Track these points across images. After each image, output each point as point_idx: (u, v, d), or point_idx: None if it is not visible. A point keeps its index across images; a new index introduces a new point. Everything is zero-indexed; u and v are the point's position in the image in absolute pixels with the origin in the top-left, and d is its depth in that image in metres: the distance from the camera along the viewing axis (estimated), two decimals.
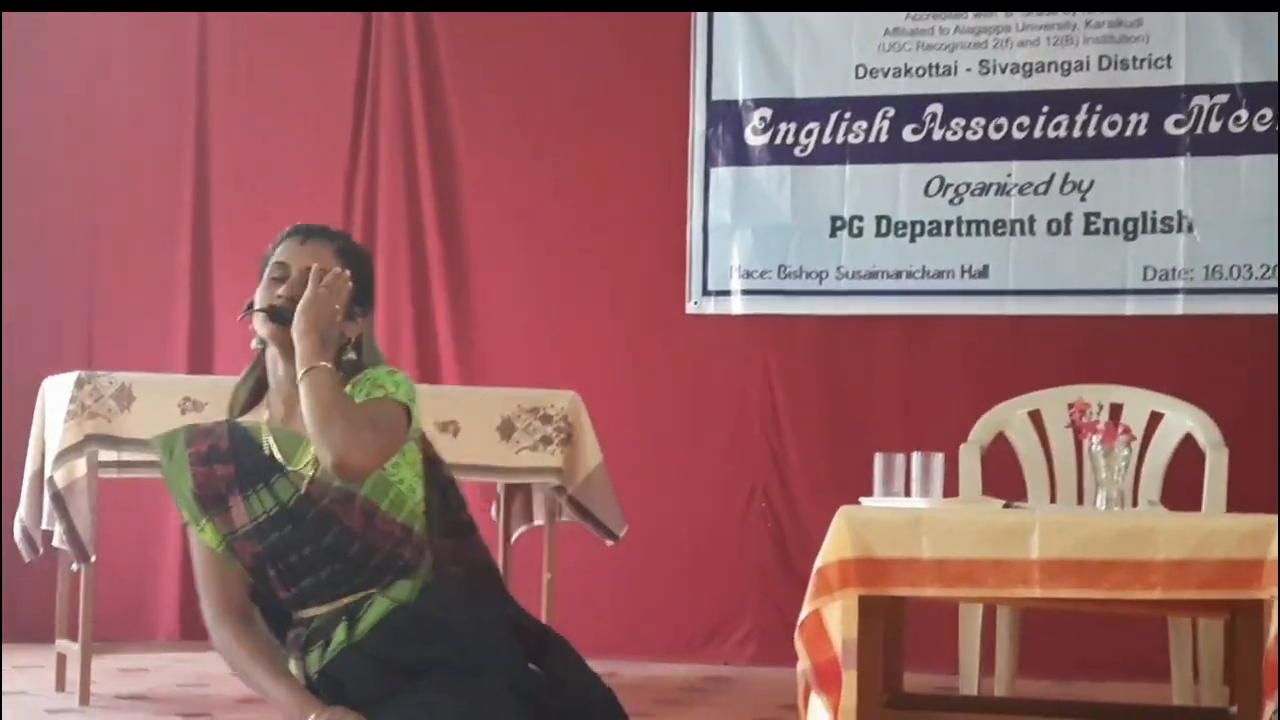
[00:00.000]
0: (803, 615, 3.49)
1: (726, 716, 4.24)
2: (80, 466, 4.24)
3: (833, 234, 5.53)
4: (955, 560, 3.34)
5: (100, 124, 6.08)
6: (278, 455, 2.41)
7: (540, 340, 5.74)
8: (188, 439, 2.49)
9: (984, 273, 5.43)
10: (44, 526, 4.41)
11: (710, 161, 5.63)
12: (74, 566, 4.36)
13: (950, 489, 3.77)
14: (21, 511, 4.50)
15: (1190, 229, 5.27)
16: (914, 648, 4.17)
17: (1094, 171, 5.38)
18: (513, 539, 5.04)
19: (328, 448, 2.29)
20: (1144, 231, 5.33)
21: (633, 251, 5.72)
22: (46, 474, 4.30)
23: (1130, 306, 5.33)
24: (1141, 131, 5.35)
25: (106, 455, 4.41)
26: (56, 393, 4.40)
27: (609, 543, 4.75)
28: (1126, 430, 3.57)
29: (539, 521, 4.86)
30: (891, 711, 3.63)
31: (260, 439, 2.44)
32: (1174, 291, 5.29)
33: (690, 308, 5.65)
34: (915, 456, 3.64)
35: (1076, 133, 5.39)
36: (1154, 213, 5.32)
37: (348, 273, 2.45)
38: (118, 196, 6.11)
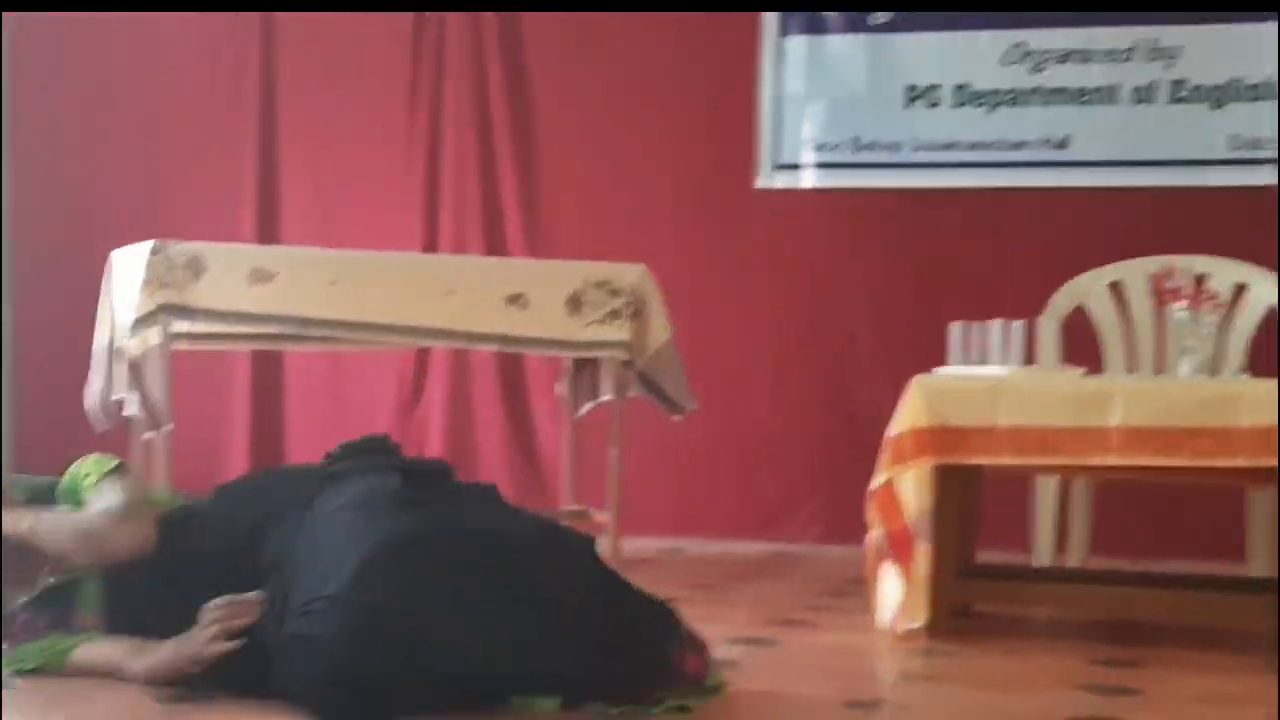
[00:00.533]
0: (875, 484, 3.52)
1: (795, 590, 4.29)
2: (154, 335, 4.30)
3: (908, 105, 5.48)
4: (1032, 428, 3.35)
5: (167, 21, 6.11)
6: None
7: (608, 215, 5.74)
8: None
9: (1064, 144, 5.37)
10: (115, 396, 4.50)
11: (783, 30, 5.57)
12: (147, 435, 4.44)
13: (1027, 361, 3.77)
14: (94, 383, 4.59)
15: None
16: (986, 527, 4.19)
17: (1180, 37, 5.28)
18: (580, 414, 5.09)
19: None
20: (1232, 100, 5.24)
21: (701, 124, 5.69)
22: (118, 343, 4.37)
23: (1216, 177, 5.26)
24: None
25: (179, 326, 4.49)
26: (126, 265, 4.46)
27: (676, 418, 4.78)
28: (1213, 297, 3.54)
29: (606, 397, 4.89)
30: (965, 581, 3.67)
31: None
32: (1262, 161, 5.21)
33: (760, 182, 5.62)
34: (994, 324, 3.64)
35: None
36: (1243, 80, 5.23)
37: None
38: (185, 78, 6.14)
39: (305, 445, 5.85)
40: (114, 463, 2.87)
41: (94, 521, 2.72)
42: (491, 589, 2.42)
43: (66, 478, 2.87)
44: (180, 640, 2.56)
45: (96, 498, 2.77)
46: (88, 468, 2.85)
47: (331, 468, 2.78)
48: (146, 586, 2.73)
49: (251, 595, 2.46)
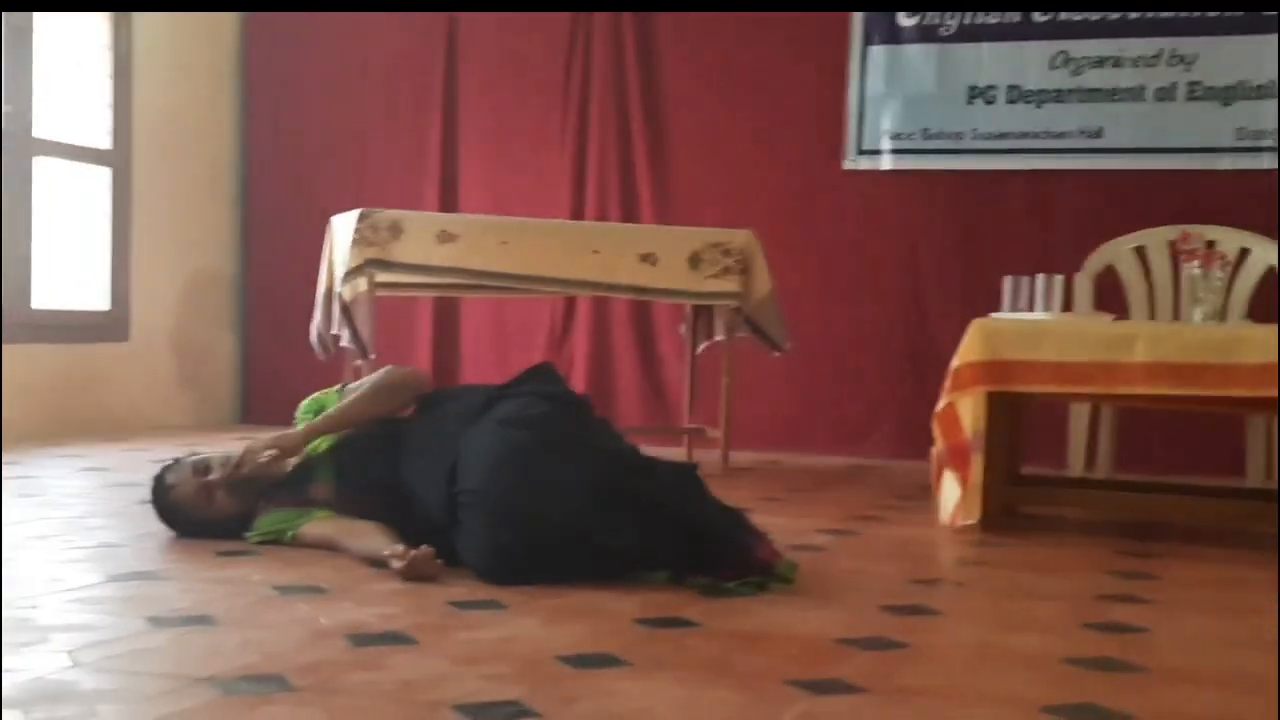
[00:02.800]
0: (940, 406, 3.52)
1: (871, 494, 4.29)
2: (362, 284, 4.41)
3: (970, 101, 5.40)
4: (1071, 362, 3.33)
5: (366, 23, 6.18)
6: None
7: (723, 189, 5.74)
8: None
9: (1098, 134, 5.26)
10: (333, 332, 4.62)
11: (868, 40, 5.52)
12: (357, 362, 4.56)
13: (1065, 309, 3.73)
14: (316, 320, 4.71)
15: None
16: (1029, 444, 4.16)
17: (1197, 46, 5.15)
18: (698, 351, 5.11)
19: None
20: (1239, 98, 5.10)
21: (800, 115, 5.65)
22: (336, 290, 4.48)
23: (1225, 162, 5.13)
24: (1239, 13, 5.09)
25: (381, 277, 4.59)
26: (341, 227, 4.56)
27: (775, 354, 4.79)
28: (1222, 257, 3.48)
29: (719, 337, 4.91)
30: (1012, 487, 3.66)
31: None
32: (1264, 149, 5.08)
33: (847, 164, 5.59)
34: (1039, 277, 3.60)
35: (1183, 13, 5.15)
36: (1248, 81, 5.09)
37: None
38: (387, 76, 6.23)
39: (474, 371, 5.95)
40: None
41: (381, 378, 2.94)
42: (603, 489, 2.52)
43: (309, 402, 3.05)
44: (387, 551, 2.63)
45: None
46: (329, 394, 3.05)
47: (506, 388, 2.86)
48: (370, 459, 2.85)
49: (429, 550, 2.55)
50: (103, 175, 5.71)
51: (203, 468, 2.90)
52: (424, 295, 5.66)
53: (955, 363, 3.49)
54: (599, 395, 5.61)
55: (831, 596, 2.52)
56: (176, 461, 2.97)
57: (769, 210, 5.61)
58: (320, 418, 2.88)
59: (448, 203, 6.08)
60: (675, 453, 4.89)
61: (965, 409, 3.46)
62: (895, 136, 5.50)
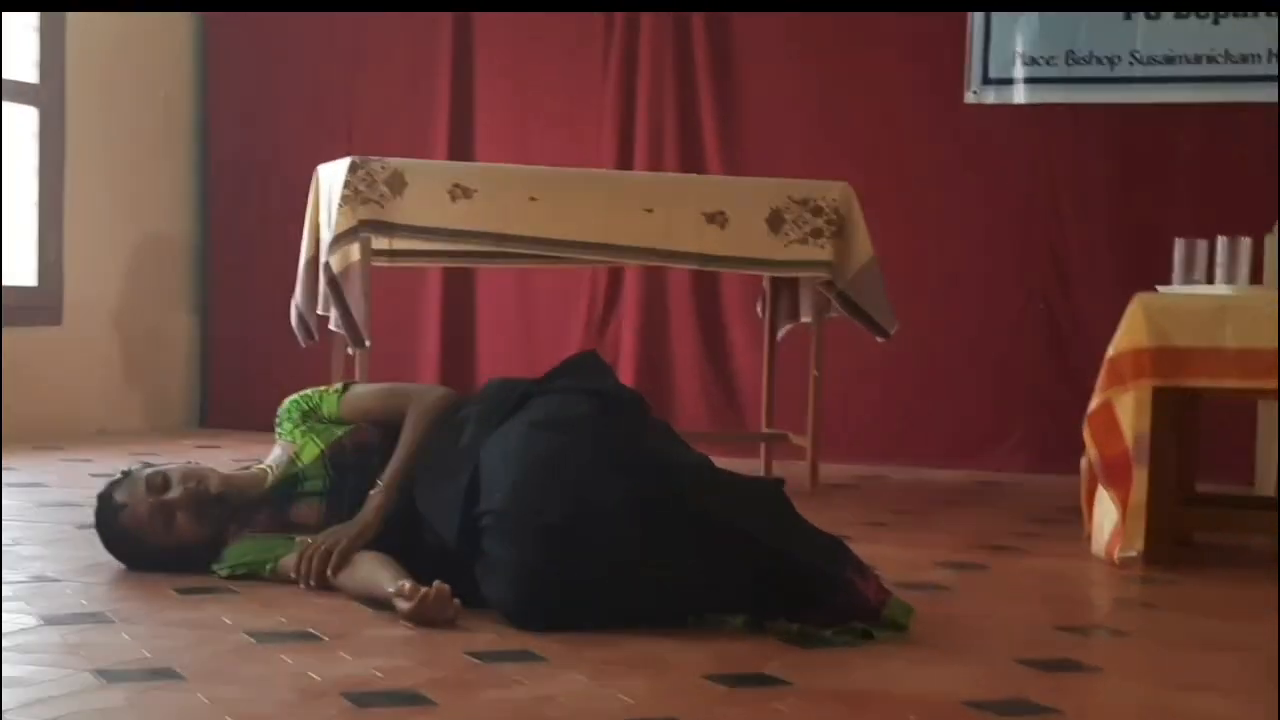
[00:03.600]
0: (1092, 406, 3.50)
1: (1002, 517, 4.28)
2: (354, 252, 4.43)
3: (1127, 16, 5.37)
4: (1262, 350, 3.30)
5: None
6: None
7: (810, 131, 5.74)
8: None
9: None
10: (318, 312, 4.65)
11: None
12: (349, 350, 4.59)
13: (1254, 281, 3.70)
14: (297, 298, 4.75)
15: None
16: (1205, 457, 4.13)
17: None
18: (778, 336, 5.11)
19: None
20: None
21: (908, 38, 5.64)
22: (322, 259, 4.51)
23: None
24: None
25: (378, 243, 4.61)
26: (329, 180, 4.58)
27: (879, 340, 4.77)
28: None
29: (806, 318, 4.91)
30: (1184, 510, 3.63)
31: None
32: None
33: (969, 97, 5.57)
34: (1220, 241, 3.57)
35: None
36: None
37: None
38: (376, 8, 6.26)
39: (494, 365, 5.97)
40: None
41: (405, 386, 3.05)
42: (664, 509, 2.54)
43: (293, 403, 3.07)
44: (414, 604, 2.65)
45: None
46: (319, 393, 3.10)
47: (539, 384, 2.88)
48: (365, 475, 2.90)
49: (443, 587, 2.57)
50: (28, 116, 5.79)
51: (159, 483, 2.94)
52: (432, 265, 5.70)
53: (1111, 351, 3.47)
54: (651, 393, 5.62)
55: (957, 647, 2.52)
56: (126, 475, 3.00)
57: (867, 157, 5.61)
58: (393, 472, 2.88)
59: (460, 150, 6.12)
60: (750, 465, 4.89)
61: (1125, 410, 3.44)
62: (1031, 62, 5.47)
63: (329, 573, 2.80)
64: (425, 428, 2.93)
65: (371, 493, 2.87)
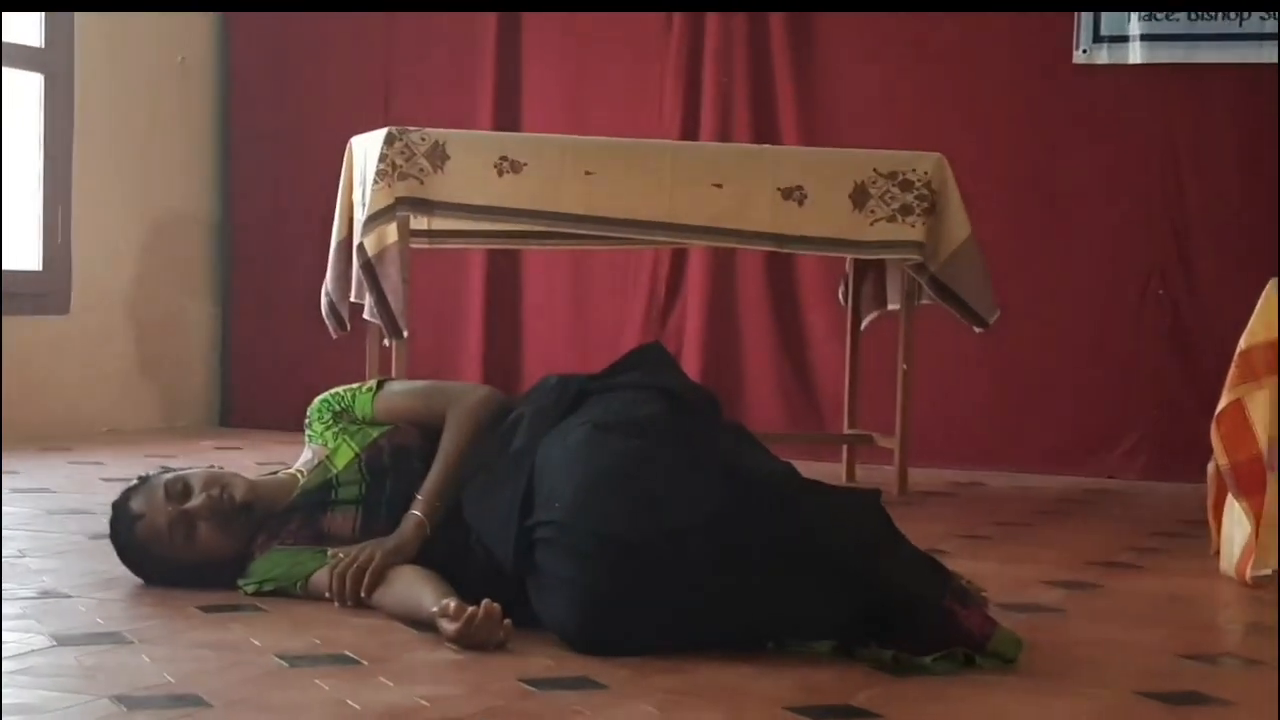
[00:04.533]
0: (1221, 405, 3.47)
1: (1116, 530, 4.25)
2: (391, 232, 4.45)
3: None
4: None
5: None
6: None
7: (896, 96, 5.71)
8: None
9: None
10: (351, 299, 4.68)
11: None
12: (385, 342, 4.61)
13: None
14: (328, 284, 4.78)
15: None
16: None
17: None
18: (862, 325, 5.11)
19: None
20: None
21: None
22: (355, 241, 4.53)
23: None
24: None
25: (417, 223, 4.63)
26: (364, 153, 4.61)
27: (976, 330, 4.75)
28: None
29: (893, 306, 4.90)
30: None
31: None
32: None
33: (1078, 56, 5.53)
34: None
35: None
36: None
37: None
38: None
39: (542, 360, 5.99)
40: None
41: (446, 385, 3.11)
42: (741, 522, 2.53)
43: (323, 403, 3.10)
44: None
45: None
46: (352, 391, 3.12)
47: (599, 379, 2.89)
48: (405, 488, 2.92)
49: (493, 606, 2.58)
50: (32, 83, 5.84)
51: (179, 490, 2.96)
52: (476, 247, 5.71)
53: (1243, 343, 3.43)
54: (719, 391, 5.60)
55: (1069, 678, 2.50)
56: (143, 481, 3.03)
57: (965, 125, 5.58)
58: (434, 483, 2.90)
59: (506, 120, 6.13)
60: (830, 471, 4.88)
61: (1258, 409, 3.40)
62: (1149, 16, 5.43)
63: (363, 592, 2.81)
64: (469, 432, 2.94)
65: (410, 509, 2.88)
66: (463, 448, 2.91)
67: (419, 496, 2.89)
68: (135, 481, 3.04)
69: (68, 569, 3.16)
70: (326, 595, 2.85)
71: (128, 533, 2.98)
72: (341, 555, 2.87)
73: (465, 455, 2.90)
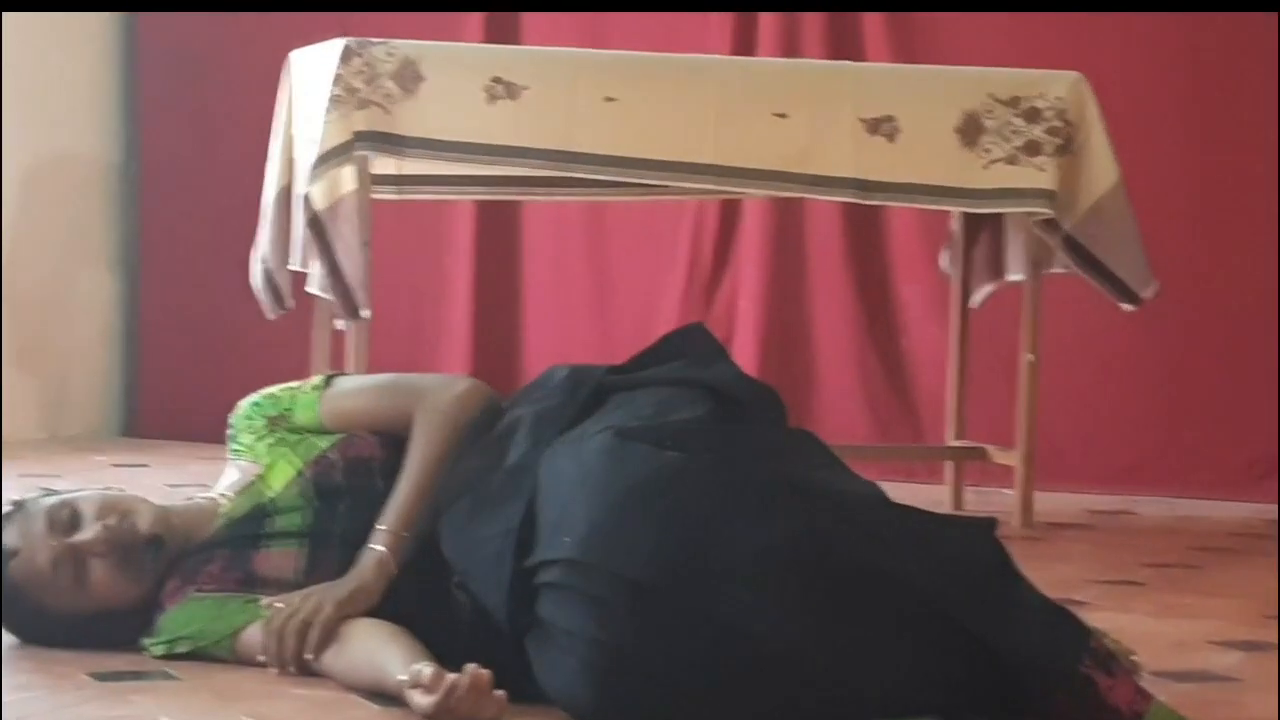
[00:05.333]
0: None
1: None
2: (347, 179, 4.45)
3: None
4: None
5: None
6: None
7: None
8: None
9: None
10: (291, 266, 4.67)
11: None
12: (337, 324, 4.60)
13: None
14: (262, 247, 4.78)
15: None
16: None
17: None
18: (974, 302, 5.11)
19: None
20: None
21: None
22: (298, 191, 4.53)
23: None
24: None
25: (382, 166, 4.63)
26: (309, 72, 4.61)
27: (1126, 307, 4.77)
28: None
29: (1015, 276, 4.91)
30: None
31: None
32: None
33: None
34: None
35: None
36: None
37: None
38: None
39: (550, 347, 6.03)
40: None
41: (414, 378, 3.11)
42: (814, 563, 2.52)
43: (254, 406, 3.10)
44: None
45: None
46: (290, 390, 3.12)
47: (624, 371, 2.90)
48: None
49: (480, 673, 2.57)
50: None
51: (66, 518, 2.95)
52: (460, 198, 5.73)
53: None
54: (781, 387, 5.61)
55: None
56: (17, 507, 3.02)
57: (1107, 36, 5.57)
58: (400, 508, 2.90)
59: (501, 30, 6.13)
60: (931, 495, 4.88)
61: None
62: None
63: (308, 653, 2.80)
64: (446, 437, 2.94)
65: (369, 543, 2.88)
66: (437, 458, 2.90)
67: (380, 526, 2.88)
68: (8, 508, 3.04)
69: None
70: (260, 659, 2.85)
71: None
72: (280, 605, 2.86)
73: (440, 468, 2.89)
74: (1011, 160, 4.61)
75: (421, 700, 2.55)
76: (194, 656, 2.89)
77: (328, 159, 4.40)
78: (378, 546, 2.87)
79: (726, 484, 2.58)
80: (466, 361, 6.14)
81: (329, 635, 2.80)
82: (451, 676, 2.54)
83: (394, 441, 2.98)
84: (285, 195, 4.70)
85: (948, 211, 5.04)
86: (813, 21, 5.90)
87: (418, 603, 2.81)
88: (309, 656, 2.80)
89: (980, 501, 5.05)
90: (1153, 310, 4.83)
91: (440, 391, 3.01)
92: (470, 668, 2.56)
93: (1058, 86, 4.63)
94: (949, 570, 2.56)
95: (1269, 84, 5.53)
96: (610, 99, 4.51)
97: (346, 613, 2.82)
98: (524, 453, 2.75)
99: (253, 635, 2.87)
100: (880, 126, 4.60)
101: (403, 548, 2.86)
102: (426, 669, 2.57)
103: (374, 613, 2.83)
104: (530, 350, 6.18)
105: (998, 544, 2.62)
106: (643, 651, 2.50)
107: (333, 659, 2.78)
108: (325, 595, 2.84)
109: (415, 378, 3.12)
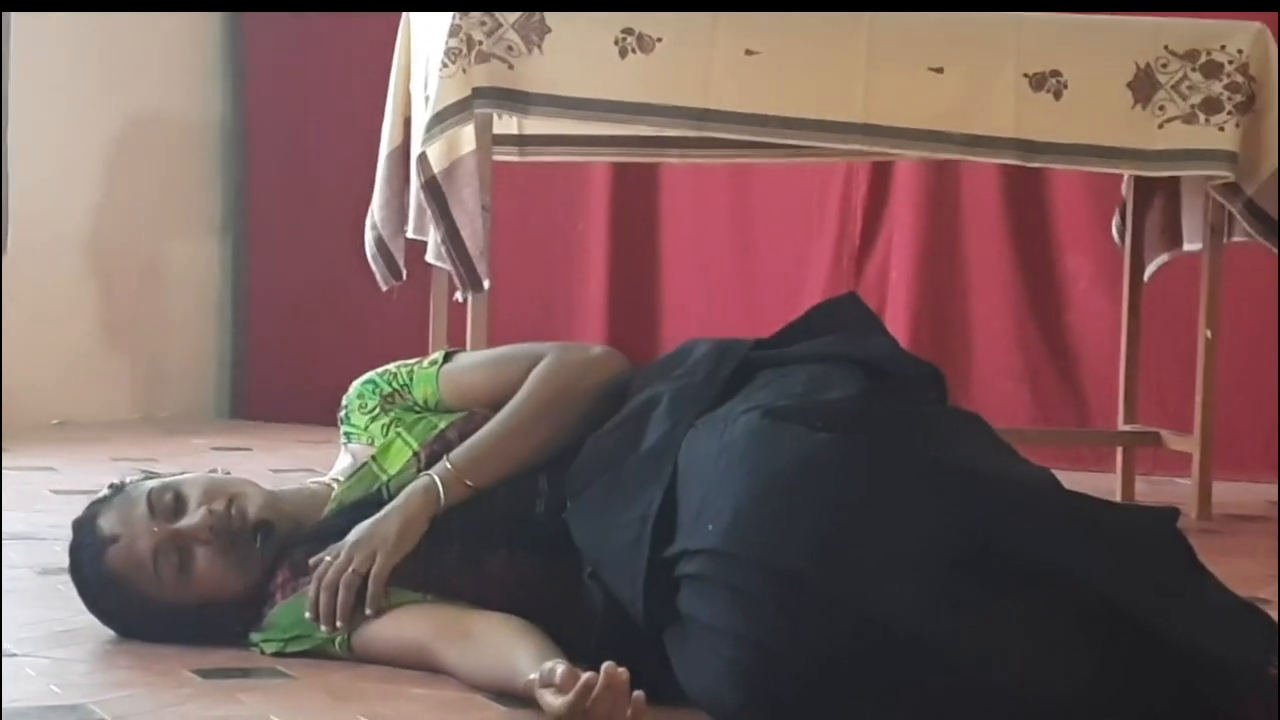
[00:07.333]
0: None
1: None
2: (466, 139, 4.46)
3: None
4: None
5: None
6: None
7: None
8: None
9: None
10: (407, 234, 4.68)
11: None
12: (457, 296, 4.61)
13: None
14: (375, 214, 4.79)
15: None
16: None
17: None
18: (1146, 274, 5.09)
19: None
20: None
21: None
22: (414, 151, 4.54)
23: None
24: None
25: (505, 125, 4.63)
26: (425, 29, 4.63)
27: None
28: None
29: (1192, 246, 4.88)
30: None
31: None
32: None
33: None
34: None
35: None
36: None
37: None
38: None
39: (690, 320, 6.03)
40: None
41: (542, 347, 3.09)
42: (982, 556, 2.50)
43: (365, 385, 3.12)
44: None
45: None
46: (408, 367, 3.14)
47: (770, 346, 2.89)
48: None
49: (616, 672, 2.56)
50: None
51: (169, 503, 2.97)
52: (590, 159, 5.75)
53: None
54: (937, 363, 5.62)
55: None
56: (116, 490, 3.04)
57: None
58: (477, 447, 2.93)
59: None
60: (1100, 482, 4.84)
61: None
62: None
63: (370, 609, 2.83)
64: (553, 397, 2.97)
65: (429, 470, 2.92)
66: (534, 415, 2.94)
67: (446, 463, 2.91)
68: (105, 492, 3.06)
69: (11, 618, 3.18)
70: (372, 653, 2.87)
71: (95, 563, 2.99)
72: (326, 558, 2.88)
73: (537, 428, 2.93)
74: (1188, 119, 4.58)
75: (554, 701, 2.54)
76: (309, 655, 2.90)
77: (444, 117, 4.41)
78: (433, 474, 2.90)
79: (884, 468, 2.56)
80: (601, 336, 6.15)
81: (382, 587, 2.83)
82: (586, 676, 2.54)
83: None
84: (400, 157, 4.71)
85: (1118, 175, 5.00)
86: None
87: (548, 596, 2.82)
88: (368, 611, 2.82)
89: (1153, 491, 5.01)
90: None
91: (567, 351, 3.02)
92: (606, 666, 2.55)
93: (1240, 38, 4.59)
94: (1131, 565, 2.53)
95: None
96: (751, 52, 4.51)
97: (398, 558, 2.85)
98: (663, 434, 2.75)
99: (375, 631, 2.88)
100: (1045, 82, 4.58)
101: (459, 485, 2.90)
102: (559, 667, 2.57)
103: (501, 607, 2.84)
104: (669, 323, 6.20)
105: (1181, 535, 2.60)
106: (792, 649, 2.48)
107: (468, 657, 2.79)
108: (372, 540, 2.86)
109: (543, 345, 3.11)
